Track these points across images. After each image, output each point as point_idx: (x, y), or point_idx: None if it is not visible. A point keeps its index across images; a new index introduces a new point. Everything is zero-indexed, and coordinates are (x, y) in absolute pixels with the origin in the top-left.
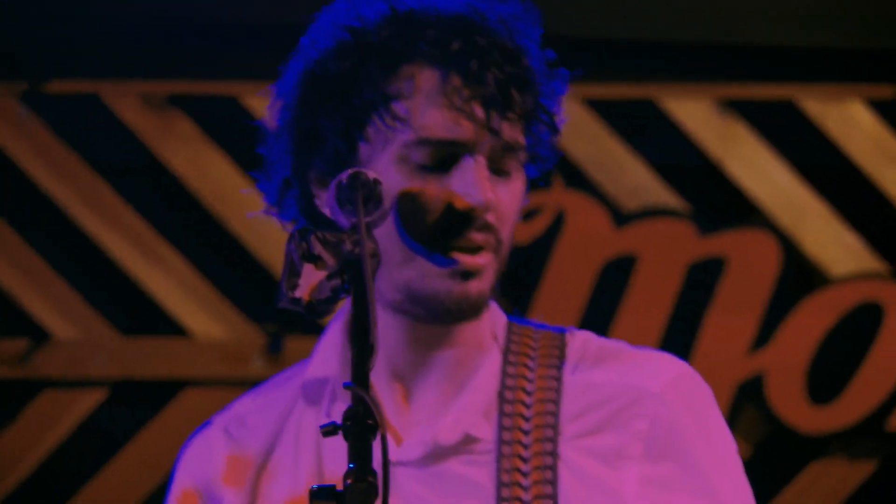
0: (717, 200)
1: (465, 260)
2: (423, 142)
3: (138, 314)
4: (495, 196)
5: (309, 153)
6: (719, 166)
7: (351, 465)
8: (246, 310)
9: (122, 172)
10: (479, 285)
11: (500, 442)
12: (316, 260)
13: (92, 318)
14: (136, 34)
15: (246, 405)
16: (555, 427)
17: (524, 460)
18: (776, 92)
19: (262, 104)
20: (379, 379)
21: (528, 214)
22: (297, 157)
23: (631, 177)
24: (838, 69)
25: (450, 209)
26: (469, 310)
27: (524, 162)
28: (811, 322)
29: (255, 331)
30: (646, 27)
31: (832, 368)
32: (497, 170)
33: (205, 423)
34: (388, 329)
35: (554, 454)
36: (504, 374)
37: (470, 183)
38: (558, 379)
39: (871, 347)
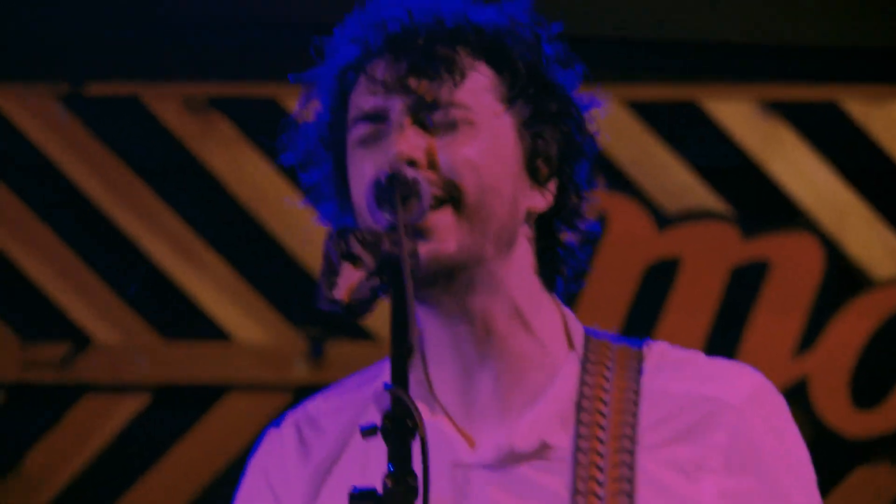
0: (759, 203)
1: (406, 218)
2: (351, 122)
3: (179, 318)
4: (426, 148)
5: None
6: (762, 168)
7: (390, 467)
8: (287, 314)
9: (163, 175)
10: (433, 245)
11: (577, 450)
12: (355, 260)
13: (133, 322)
14: (176, 36)
15: (319, 405)
16: (632, 437)
17: (601, 469)
18: (819, 93)
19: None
20: (441, 381)
21: None
22: (332, 160)
23: (673, 179)
24: (882, 70)
25: (377, 172)
26: (434, 272)
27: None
28: (855, 325)
29: (296, 335)
30: (688, 28)
31: (877, 372)
32: (430, 126)
33: (278, 419)
34: (431, 328)
35: (631, 464)
36: (582, 383)
37: (388, 143)
38: (636, 390)
39: None
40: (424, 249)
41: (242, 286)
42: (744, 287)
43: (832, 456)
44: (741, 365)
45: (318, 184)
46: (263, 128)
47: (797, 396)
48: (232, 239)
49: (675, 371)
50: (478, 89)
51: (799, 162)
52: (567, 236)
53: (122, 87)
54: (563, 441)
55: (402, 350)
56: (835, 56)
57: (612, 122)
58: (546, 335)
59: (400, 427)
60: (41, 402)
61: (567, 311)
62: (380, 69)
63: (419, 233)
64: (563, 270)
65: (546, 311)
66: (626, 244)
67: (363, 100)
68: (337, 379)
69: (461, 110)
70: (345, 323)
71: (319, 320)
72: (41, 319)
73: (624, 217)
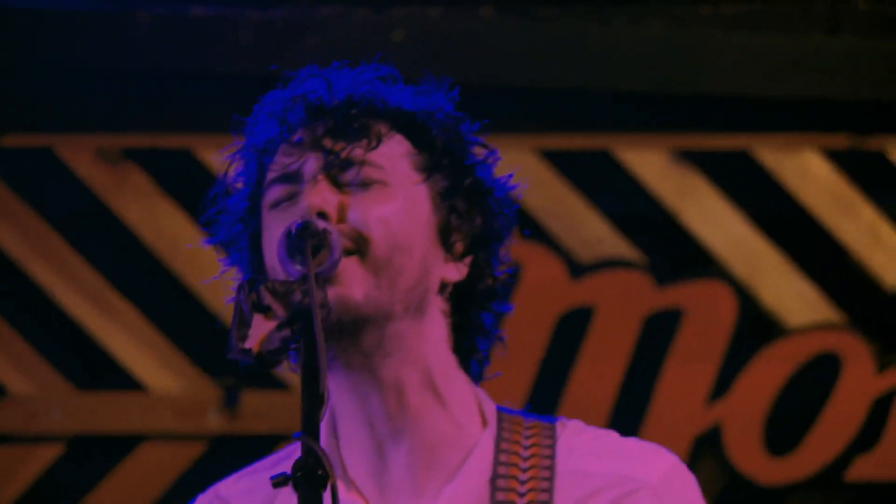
0: (673, 251)
1: (317, 268)
2: (267, 184)
3: (94, 368)
4: (337, 202)
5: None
6: (675, 217)
7: None
8: (201, 363)
9: (77, 225)
10: (340, 290)
11: None
12: (266, 310)
13: (48, 373)
14: (90, 87)
15: (230, 486)
16: None
17: None
18: (732, 142)
19: (217, 156)
20: (354, 460)
21: None
22: (247, 230)
23: (587, 228)
24: (793, 119)
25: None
26: (340, 318)
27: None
28: (769, 373)
29: (211, 385)
30: (600, 77)
31: (790, 419)
32: (343, 182)
33: (190, 501)
34: (344, 403)
35: None
36: (497, 461)
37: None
38: (551, 468)
39: (828, 398)
40: (332, 293)
41: (157, 337)
42: (658, 335)
43: (746, 503)
44: (655, 445)
45: (232, 249)
46: (177, 178)
47: (711, 443)
48: (147, 289)
49: (591, 450)
50: (394, 155)
51: (712, 210)
52: (480, 314)
53: (35, 138)
54: None
55: (314, 399)
56: (746, 105)
57: (525, 170)
58: (460, 412)
59: (311, 476)
60: None
61: (479, 389)
62: (297, 134)
63: (328, 280)
64: (476, 349)
65: (459, 387)
66: (540, 292)
67: (279, 160)
68: (251, 429)
69: (375, 170)
70: (259, 372)
71: (234, 370)
72: None
73: (538, 265)
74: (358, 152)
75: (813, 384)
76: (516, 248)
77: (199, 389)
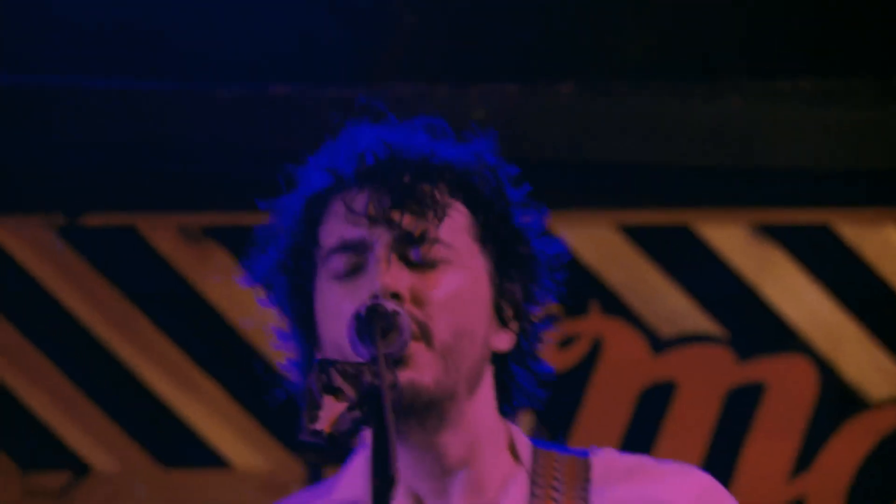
0: (754, 326)
1: (386, 350)
2: (327, 251)
3: (178, 445)
4: (409, 283)
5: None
6: (756, 292)
7: None
8: (285, 440)
9: (159, 303)
10: (411, 374)
11: None
12: (336, 392)
13: (132, 450)
14: (173, 166)
15: None
16: None
17: None
18: (812, 217)
19: None
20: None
21: (565, 342)
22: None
23: (668, 303)
24: (874, 192)
25: (358, 306)
26: (411, 402)
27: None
28: (851, 446)
29: (295, 461)
30: (679, 152)
31: (874, 492)
32: (414, 262)
33: None
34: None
35: None
36: (532, 496)
37: (370, 275)
38: (585, 499)
39: None
40: (404, 377)
41: (240, 413)
42: (740, 410)
43: None
44: (688, 466)
45: (272, 294)
46: None
47: None
48: (229, 366)
49: (624, 478)
50: (457, 228)
51: (792, 285)
52: (522, 375)
53: (118, 217)
54: None
55: (385, 481)
56: (826, 179)
57: (607, 245)
58: (493, 457)
59: None
60: None
61: (513, 425)
62: (360, 200)
63: (398, 361)
64: (517, 405)
65: (497, 435)
66: (622, 368)
67: (343, 229)
68: None
69: (443, 248)
70: (343, 448)
71: (318, 447)
72: (41, 448)
73: (619, 341)
74: (430, 229)
75: None
76: (598, 323)
77: (284, 466)
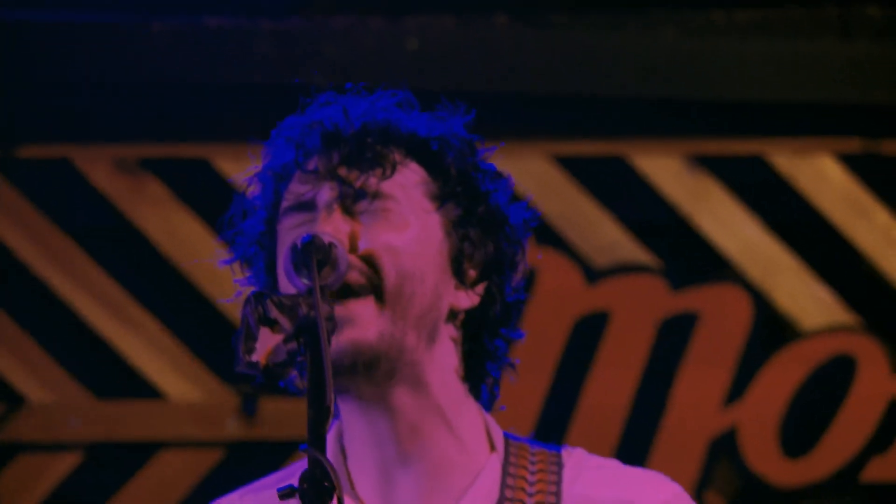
0: (688, 256)
1: (339, 311)
2: (283, 211)
3: (113, 377)
4: (349, 230)
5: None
6: (690, 222)
7: None
8: (220, 371)
9: (95, 236)
10: (351, 333)
11: None
12: (272, 324)
13: (66, 382)
14: (107, 98)
15: (233, 502)
16: None
17: None
18: (746, 147)
19: (234, 166)
20: (362, 478)
21: None
22: (260, 237)
23: (602, 233)
24: (807, 124)
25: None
26: (354, 361)
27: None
28: (784, 376)
29: (229, 392)
30: (614, 84)
31: (805, 422)
32: (355, 212)
33: None
34: (353, 424)
35: None
36: (504, 484)
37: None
38: (557, 494)
39: (844, 400)
40: (345, 337)
41: (174, 344)
42: (673, 339)
43: None
44: (658, 473)
45: (249, 270)
46: (195, 188)
47: (727, 446)
48: (164, 298)
49: (596, 476)
50: (407, 184)
51: (726, 215)
52: (491, 341)
53: (52, 149)
54: None
55: (321, 412)
56: (760, 111)
57: (540, 176)
58: (468, 436)
59: (317, 488)
60: None
61: (488, 415)
62: (313, 161)
63: (341, 321)
64: (487, 375)
65: (468, 412)
66: (556, 298)
67: (295, 188)
68: (269, 435)
69: (389, 201)
70: (277, 379)
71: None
72: None
73: (553, 271)
74: (372, 182)
75: (828, 386)
76: (531, 255)
77: (218, 397)
